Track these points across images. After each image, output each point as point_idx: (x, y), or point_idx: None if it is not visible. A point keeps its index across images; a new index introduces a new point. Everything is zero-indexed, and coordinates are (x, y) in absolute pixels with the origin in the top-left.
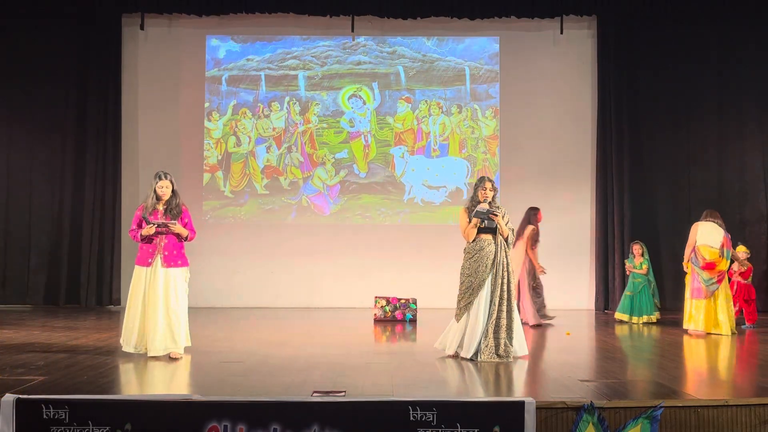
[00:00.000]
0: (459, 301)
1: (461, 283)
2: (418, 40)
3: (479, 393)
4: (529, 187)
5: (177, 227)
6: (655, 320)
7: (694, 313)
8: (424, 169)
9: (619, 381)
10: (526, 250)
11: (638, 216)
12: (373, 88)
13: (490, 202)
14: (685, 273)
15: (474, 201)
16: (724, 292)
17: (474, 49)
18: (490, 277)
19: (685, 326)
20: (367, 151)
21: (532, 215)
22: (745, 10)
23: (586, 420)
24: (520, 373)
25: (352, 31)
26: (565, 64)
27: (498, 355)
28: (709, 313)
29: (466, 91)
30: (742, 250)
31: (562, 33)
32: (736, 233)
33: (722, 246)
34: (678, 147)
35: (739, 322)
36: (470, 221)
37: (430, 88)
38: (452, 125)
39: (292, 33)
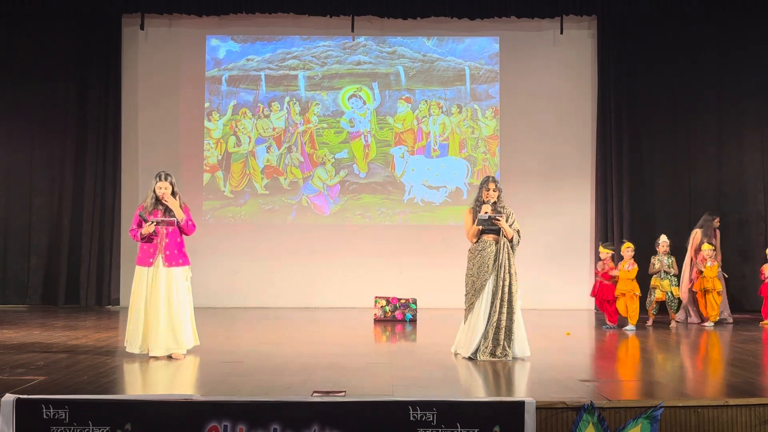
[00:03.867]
0: (465, 302)
1: (466, 284)
2: (418, 40)
3: (479, 393)
4: (529, 187)
5: (177, 213)
6: None
7: None
8: (424, 169)
9: (619, 381)
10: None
11: (637, 216)
12: (373, 88)
13: (494, 203)
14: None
15: (478, 201)
16: None
17: (474, 49)
18: (492, 278)
19: None
20: (367, 151)
21: (704, 221)
22: (745, 10)
23: (586, 420)
24: (520, 373)
25: (352, 31)
26: (565, 64)
27: (494, 356)
28: None
29: (466, 91)
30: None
31: (562, 33)
32: (735, 233)
33: None
34: (678, 147)
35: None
36: (474, 222)
37: (430, 88)
38: (452, 125)
39: (292, 33)
